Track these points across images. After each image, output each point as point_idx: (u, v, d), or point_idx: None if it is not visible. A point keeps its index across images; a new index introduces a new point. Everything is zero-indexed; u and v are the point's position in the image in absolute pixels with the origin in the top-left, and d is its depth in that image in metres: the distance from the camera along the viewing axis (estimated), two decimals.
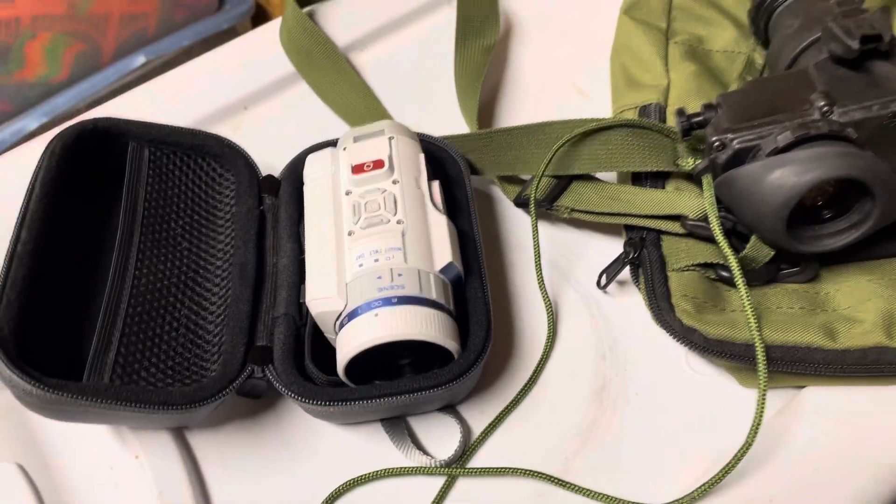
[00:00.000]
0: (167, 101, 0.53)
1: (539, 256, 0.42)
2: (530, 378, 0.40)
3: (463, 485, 0.37)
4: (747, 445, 0.33)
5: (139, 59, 0.87)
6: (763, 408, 0.33)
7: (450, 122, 0.51)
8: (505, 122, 0.52)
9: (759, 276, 0.39)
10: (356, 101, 0.53)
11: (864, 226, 0.36)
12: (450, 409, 0.39)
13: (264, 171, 0.45)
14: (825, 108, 0.37)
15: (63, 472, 0.38)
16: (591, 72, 0.53)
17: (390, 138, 0.42)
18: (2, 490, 0.37)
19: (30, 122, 0.82)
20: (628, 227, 0.42)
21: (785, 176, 0.35)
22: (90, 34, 0.84)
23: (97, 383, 0.34)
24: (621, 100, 0.48)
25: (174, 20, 0.86)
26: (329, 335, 0.38)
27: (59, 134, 0.41)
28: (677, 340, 0.37)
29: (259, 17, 0.89)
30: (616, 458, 0.37)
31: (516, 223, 0.46)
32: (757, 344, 0.35)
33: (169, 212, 0.42)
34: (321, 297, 0.37)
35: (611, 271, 0.41)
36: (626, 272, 0.42)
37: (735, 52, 0.50)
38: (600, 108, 0.51)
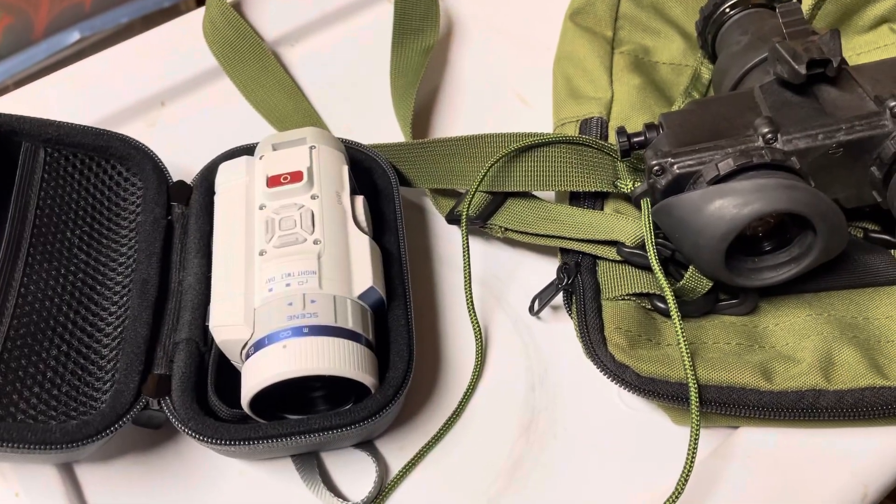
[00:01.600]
0: (78, 92, 0.49)
1: (469, 279, 0.39)
2: (454, 411, 0.37)
3: None
4: (677, 494, 0.31)
5: (73, 36, 0.83)
6: (693, 456, 0.31)
7: (384, 126, 0.48)
8: (442, 130, 0.49)
9: (696, 308, 0.37)
10: (283, 100, 0.49)
11: (805, 260, 0.34)
12: (367, 444, 0.36)
13: (180, 176, 0.41)
14: (769, 136, 0.35)
15: None
16: (534, 79, 0.50)
17: (311, 147, 0.38)
18: None
19: None
20: (564, 251, 0.40)
21: (724, 207, 0.33)
22: (21, 7, 0.80)
23: None
24: (562, 111, 0.46)
25: None
26: (236, 363, 0.35)
27: None
28: (608, 377, 0.34)
29: None
30: (541, 497, 0.35)
31: (448, 239, 0.44)
32: (691, 384, 0.33)
33: (65, 220, 0.38)
34: (226, 325, 0.34)
35: (543, 297, 0.39)
36: (559, 298, 0.40)
37: (682, 64, 0.48)
38: (542, 117, 0.49)
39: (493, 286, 0.42)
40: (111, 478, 0.35)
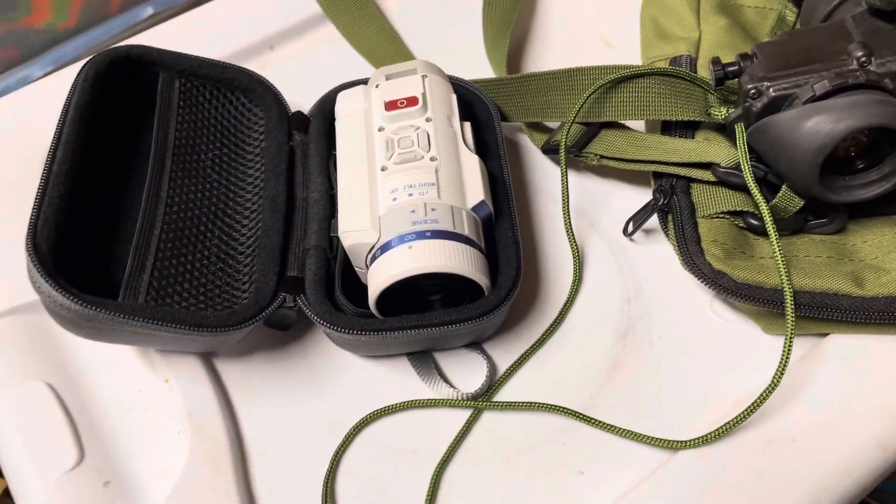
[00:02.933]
0: (191, 38, 0.52)
1: (567, 200, 0.42)
2: (556, 319, 0.40)
3: (488, 418, 0.38)
4: (773, 385, 0.34)
5: (147, 10, 0.86)
6: (790, 349, 0.34)
7: (476, 70, 0.51)
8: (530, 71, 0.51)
9: (787, 226, 0.39)
10: (383, 44, 0.52)
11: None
12: (476, 346, 0.40)
13: (292, 110, 0.45)
14: (863, 59, 0.37)
15: (92, 393, 0.38)
16: (618, 23, 0.53)
17: (423, 77, 0.42)
18: (32, 408, 0.37)
19: (35, 69, 0.81)
20: (657, 176, 0.42)
21: (821, 123, 0.35)
22: None
23: (133, 302, 0.34)
24: (651, 51, 0.48)
25: None
26: (359, 269, 0.39)
27: (91, 59, 0.40)
28: (706, 284, 0.37)
29: None
30: (638, 397, 0.37)
31: (543, 171, 0.47)
32: (785, 287, 0.35)
33: (199, 143, 0.42)
34: (354, 230, 0.37)
35: (639, 218, 0.42)
36: (651, 221, 0.42)
37: (766, 7, 0.49)
38: (628, 60, 0.51)
39: (586, 212, 0.44)
40: (246, 371, 0.39)
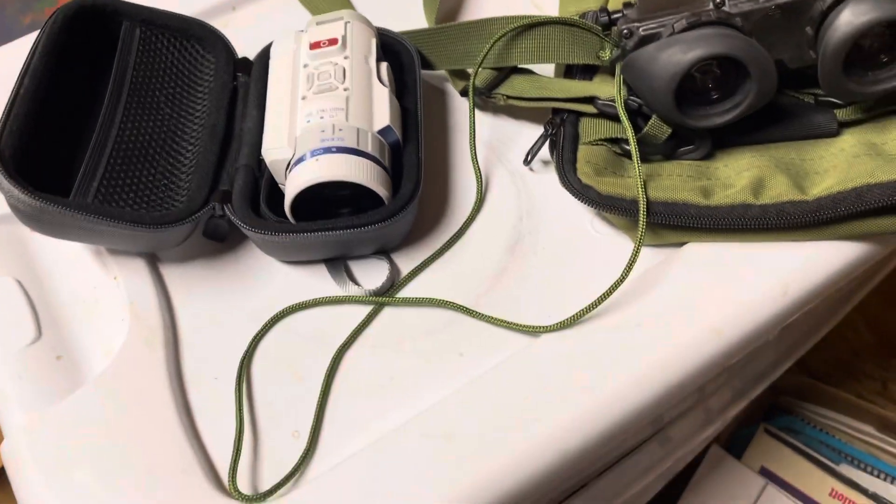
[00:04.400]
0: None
1: (474, 131, 0.47)
2: (455, 233, 0.46)
3: (388, 312, 0.43)
4: (623, 277, 0.39)
5: None
6: (640, 246, 0.39)
7: (413, 24, 0.57)
8: None
9: (658, 151, 0.45)
10: (335, 8, 0.58)
11: (744, 104, 0.41)
12: (383, 254, 0.45)
13: None
14: (719, 1, 0.42)
15: (53, 288, 0.45)
16: None
17: (346, 23, 0.48)
18: (1, 300, 0.44)
19: None
20: (555, 112, 0.48)
21: (674, 53, 0.40)
22: None
23: (82, 200, 0.41)
24: (567, 8, 0.54)
25: None
26: (281, 184, 0.45)
27: (62, 6, 0.47)
28: (575, 197, 0.42)
29: None
30: (518, 298, 0.43)
31: (462, 113, 0.52)
32: (639, 189, 0.40)
33: (154, 83, 0.49)
34: (274, 147, 0.43)
35: (534, 148, 0.47)
36: (550, 155, 0.48)
37: None
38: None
39: (495, 147, 0.50)
40: (185, 272, 0.45)
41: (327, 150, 0.42)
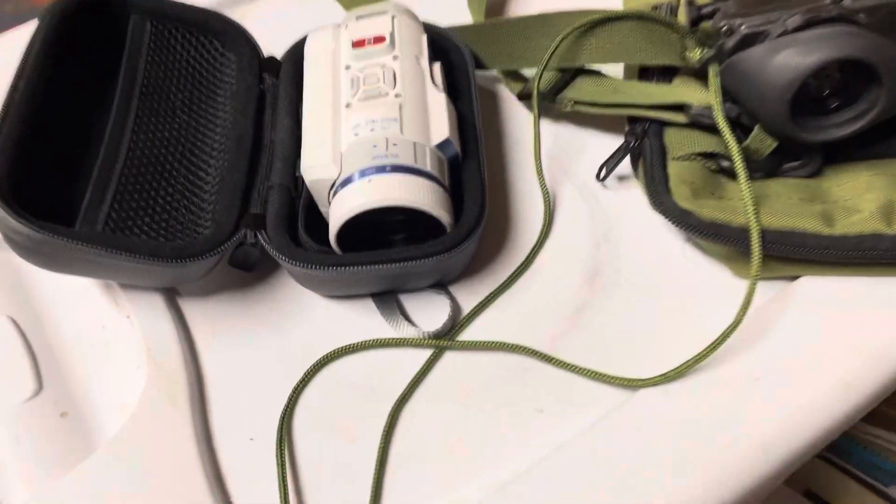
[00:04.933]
0: None
1: (539, 144, 0.41)
2: (524, 261, 0.39)
3: (449, 358, 0.37)
4: (736, 322, 0.33)
5: None
6: (755, 285, 0.33)
7: (456, 19, 0.50)
8: None
9: (760, 167, 0.38)
10: None
11: (871, 114, 0.35)
12: (440, 286, 0.39)
13: None
14: None
15: (55, 328, 0.38)
16: None
17: (392, 17, 0.41)
18: None
19: None
20: (631, 121, 0.42)
21: (790, 56, 0.34)
22: None
23: (89, 230, 0.34)
24: (632, 1, 0.47)
25: None
26: (322, 207, 0.38)
27: None
28: (673, 223, 0.36)
29: None
30: (602, 340, 0.37)
31: (519, 120, 0.46)
32: (752, 222, 0.34)
33: (168, 85, 0.42)
34: (316, 165, 0.37)
35: (611, 162, 0.41)
36: (625, 167, 0.42)
37: None
38: (608, 7, 0.50)
39: (560, 159, 0.44)
40: (209, 310, 0.39)
41: (380, 170, 0.35)
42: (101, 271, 0.36)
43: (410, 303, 0.39)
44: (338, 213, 0.35)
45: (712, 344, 0.33)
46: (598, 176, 0.42)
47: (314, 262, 0.35)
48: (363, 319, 0.39)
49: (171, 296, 0.39)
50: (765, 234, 0.35)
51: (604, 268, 0.39)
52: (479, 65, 0.46)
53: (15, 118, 0.35)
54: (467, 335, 0.38)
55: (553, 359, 0.36)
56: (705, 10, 0.40)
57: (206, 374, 0.37)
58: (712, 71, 0.38)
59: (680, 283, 0.38)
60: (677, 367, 0.33)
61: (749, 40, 0.37)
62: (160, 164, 0.39)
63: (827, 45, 0.34)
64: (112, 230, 0.35)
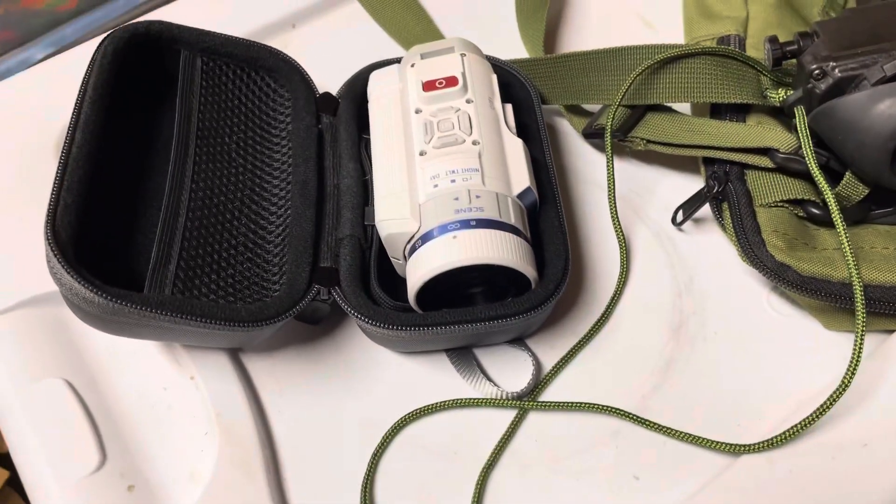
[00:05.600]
0: (208, 16, 0.50)
1: (613, 188, 0.39)
2: (603, 313, 0.38)
3: (534, 419, 0.35)
4: (844, 386, 0.32)
5: None
6: (861, 347, 0.32)
7: (508, 50, 0.48)
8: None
9: (849, 216, 0.37)
10: (410, 22, 0.50)
11: None
12: (519, 341, 0.37)
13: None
14: None
15: (113, 391, 0.36)
16: (657, 2, 0.50)
17: (462, 55, 0.39)
18: (49, 407, 0.35)
19: (36, 52, 0.78)
20: (707, 162, 0.40)
21: (895, 105, 0.33)
22: None
23: (160, 295, 0.32)
24: (696, 31, 0.46)
25: None
26: (396, 259, 0.36)
27: (109, 35, 0.38)
28: (768, 277, 0.35)
29: None
30: (694, 397, 0.35)
31: (583, 156, 0.44)
32: (855, 282, 0.33)
33: (224, 126, 0.40)
34: (393, 218, 0.35)
35: (690, 206, 0.39)
36: (701, 210, 0.40)
37: None
38: (668, 40, 0.48)
39: (631, 201, 0.42)
40: (275, 367, 0.37)
41: (465, 225, 0.33)
42: (168, 335, 0.34)
43: (487, 358, 0.37)
44: (421, 272, 0.33)
45: (819, 408, 0.32)
46: (673, 220, 0.40)
47: (395, 323, 0.33)
48: (438, 376, 0.37)
49: (235, 353, 0.37)
50: (868, 290, 0.34)
51: (688, 319, 0.38)
52: (541, 100, 0.44)
53: (75, 172, 0.33)
54: (550, 394, 0.36)
55: (647, 421, 0.34)
56: (789, 49, 0.38)
57: (278, 438, 0.35)
58: (800, 114, 0.37)
59: (769, 336, 0.37)
60: (783, 433, 0.32)
61: (842, 84, 0.35)
62: (222, 215, 0.37)
63: None
64: (181, 291, 0.33)
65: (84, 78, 0.36)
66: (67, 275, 0.30)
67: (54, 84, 0.46)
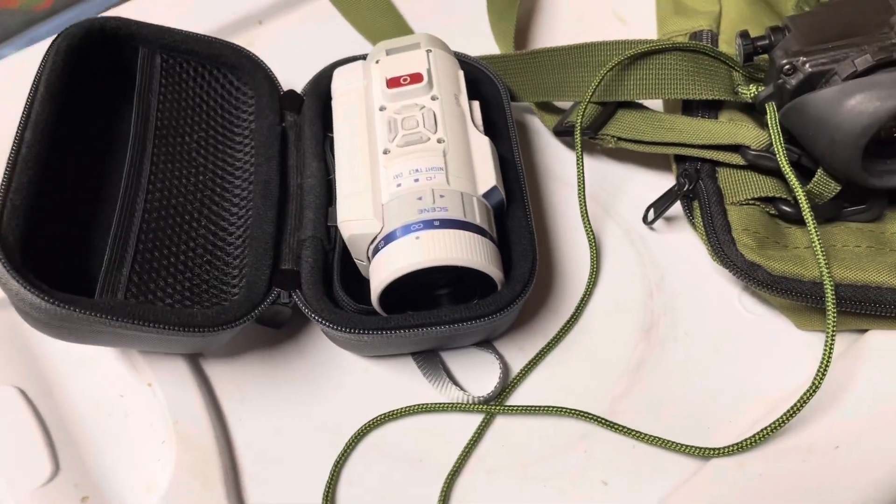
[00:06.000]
0: (172, 12, 0.48)
1: (583, 186, 0.39)
2: (573, 314, 0.37)
3: (501, 423, 0.35)
4: (814, 388, 0.31)
5: None
6: (831, 348, 0.31)
7: (480, 46, 0.47)
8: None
9: (821, 213, 0.36)
10: (379, 18, 0.49)
11: None
12: (487, 344, 0.37)
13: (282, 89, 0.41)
14: None
15: (67, 398, 0.35)
16: None
17: (427, 51, 0.38)
18: (0, 416, 0.34)
19: (10, 50, 0.77)
20: (679, 159, 0.39)
21: (866, 101, 0.32)
22: None
23: (112, 300, 0.31)
24: (669, 26, 0.45)
25: None
26: (359, 261, 0.35)
27: (64, 32, 0.37)
28: (738, 277, 0.34)
29: None
30: (665, 400, 0.35)
31: (553, 154, 0.43)
32: (826, 281, 0.32)
33: (183, 124, 0.39)
34: (355, 219, 0.34)
35: (661, 205, 0.39)
36: (672, 208, 0.39)
37: None
38: (641, 35, 0.47)
39: (601, 199, 0.41)
40: (237, 373, 0.36)
41: (428, 225, 0.32)
42: (123, 341, 0.33)
43: (454, 361, 0.36)
44: (383, 274, 0.32)
45: (789, 411, 0.31)
46: (644, 218, 0.40)
47: (357, 327, 0.33)
48: (404, 380, 0.36)
49: (195, 358, 0.36)
50: (838, 289, 0.33)
51: (659, 320, 0.37)
52: (511, 97, 0.43)
53: (24, 173, 0.32)
54: (518, 397, 0.35)
55: (615, 425, 0.33)
56: (760, 43, 0.37)
57: (238, 445, 0.34)
58: (770, 110, 0.36)
59: (740, 335, 0.36)
60: (752, 436, 0.31)
61: (812, 80, 0.35)
62: (180, 216, 0.36)
63: None
64: (135, 296, 0.32)
65: (36, 75, 0.35)
66: (13, 280, 0.29)
67: (18, 80, 0.44)
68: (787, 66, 0.35)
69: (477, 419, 0.35)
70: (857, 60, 0.34)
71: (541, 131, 0.44)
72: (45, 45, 0.47)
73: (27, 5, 0.76)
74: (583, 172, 0.39)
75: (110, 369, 0.36)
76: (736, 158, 0.37)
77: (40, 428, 0.33)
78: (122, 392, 0.35)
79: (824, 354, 0.31)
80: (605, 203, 0.41)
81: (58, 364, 0.36)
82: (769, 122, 0.36)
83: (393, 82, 0.37)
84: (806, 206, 0.34)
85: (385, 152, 0.35)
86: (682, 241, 0.39)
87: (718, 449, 0.32)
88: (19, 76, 0.43)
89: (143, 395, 0.35)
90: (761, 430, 0.31)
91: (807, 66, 0.35)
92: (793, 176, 0.34)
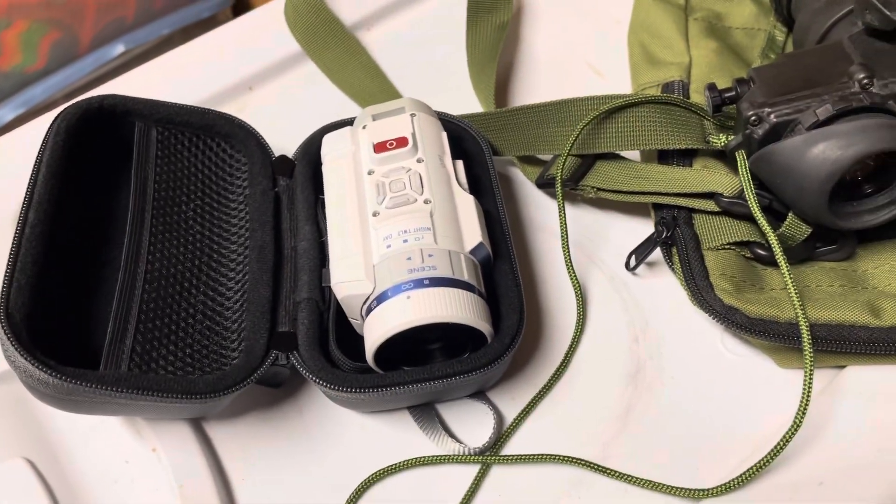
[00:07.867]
0: (167, 80, 0.50)
1: (567, 237, 0.40)
2: (562, 362, 0.38)
3: (497, 472, 0.36)
4: (796, 426, 0.32)
5: (118, 49, 0.84)
6: (810, 388, 0.32)
7: (462, 102, 0.49)
8: (520, 103, 0.50)
9: (795, 254, 0.38)
10: (366, 81, 0.51)
11: None
12: (480, 395, 0.38)
13: (274, 153, 0.43)
14: (865, 81, 0.36)
15: (75, 467, 0.36)
16: (604, 50, 0.52)
17: (412, 115, 0.40)
18: (10, 487, 0.35)
19: (5, 112, 0.79)
20: (657, 207, 0.41)
21: (828, 149, 0.34)
22: (67, 22, 0.81)
23: (116, 372, 0.32)
24: (642, 77, 0.47)
25: (153, 9, 0.82)
26: (354, 320, 0.37)
27: (63, 112, 0.39)
28: (717, 320, 0.36)
29: (240, 6, 0.85)
30: (654, 443, 0.36)
31: (537, 205, 0.45)
32: (801, 323, 0.34)
33: (180, 194, 0.40)
34: (348, 280, 0.35)
35: (641, 252, 0.40)
36: (654, 253, 0.41)
37: (755, 28, 0.49)
38: (616, 87, 0.50)
39: (585, 247, 0.43)
40: (239, 434, 0.37)
41: (418, 284, 0.34)
42: (127, 410, 0.34)
43: (449, 412, 0.38)
44: (377, 332, 0.34)
45: (773, 450, 0.32)
46: (627, 265, 0.41)
47: (353, 385, 0.34)
48: (402, 433, 0.37)
49: (197, 421, 0.37)
50: (814, 329, 0.34)
51: (645, 365, 0.38)
52: (494, 151, 0.45)
53: (28, 252, 0.33)
54: (513, 446, 0.36)
55: (608, 470, 0.35)
56: (727, 95, 0.39)
57: None
58: (741, 158, 0.38)
59: (724, 377, 0.37)
60: (739, 476, 0.32)
61: (778, 129, 0.37)
62: (179, 284, 0.37)
63: (865, 137, 0.33)
64: (138, 366, 0.33)
65: (38, 155, 0.37)
66: (21, 357, 0.30)
67: (18, 154, 0.46)
68: (753, 118, 0.37)
69: (474, 469, 0.36)
70: (818, 110, 0.35)
71: (524, 183, 0.46)
72: (42, 119, 0.49)
73: (20, 67, 0.78)
74: (565, 223, 0.41)
75: (115, 436, 0.37)
76: (710, 205, 0.39)
77: (50, 499, 0.34)
78: (128, 458, 0.36)
79: (804, 394, 0.32)
80: (588, 251, 0.43)
81: (64, 434, 0.37)
82: (740, 170, 0.38)
83: (380, 147, 0.39)
84: (778, 249, 0.35)
85: (374, 214, 0.37)
86: (665, 286, 0.41)
87: (708, 490, 0.33)
88: (17, 151, 0.45)
89: (147, 460, 0.36)
90: (747, 470, 0.32)
91: (772, 116, 0.37)
92: (764, 221, 0.36)
